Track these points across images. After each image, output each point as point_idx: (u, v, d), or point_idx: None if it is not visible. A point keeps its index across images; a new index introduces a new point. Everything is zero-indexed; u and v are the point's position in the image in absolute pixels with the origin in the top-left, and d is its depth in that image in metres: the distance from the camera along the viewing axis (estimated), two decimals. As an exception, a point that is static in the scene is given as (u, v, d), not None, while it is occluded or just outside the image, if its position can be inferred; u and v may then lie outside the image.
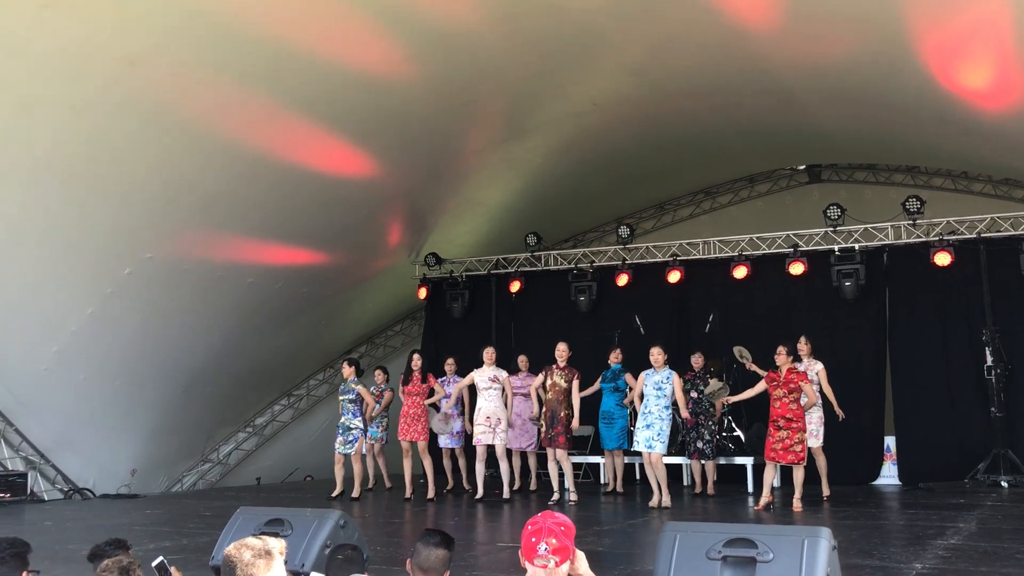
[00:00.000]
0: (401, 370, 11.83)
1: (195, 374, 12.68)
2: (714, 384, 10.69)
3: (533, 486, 11.66)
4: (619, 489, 11.17)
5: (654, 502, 9.63)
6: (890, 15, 8.47)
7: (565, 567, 3.16)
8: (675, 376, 9.89)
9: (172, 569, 3.79)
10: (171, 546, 7.12)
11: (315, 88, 9.66)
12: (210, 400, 13.40)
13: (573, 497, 10.28)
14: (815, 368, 10.11)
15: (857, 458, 11.67)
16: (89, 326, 11.02)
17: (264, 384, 14.49)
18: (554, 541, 3.12)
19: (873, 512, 9.29)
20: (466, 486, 11.62)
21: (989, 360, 11.22)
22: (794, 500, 9.19)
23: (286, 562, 5.00)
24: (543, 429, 10.42)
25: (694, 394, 10.60)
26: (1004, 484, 10.76)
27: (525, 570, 3.19)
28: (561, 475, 10.42)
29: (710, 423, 10.66)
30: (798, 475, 9.33)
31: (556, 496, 10.32)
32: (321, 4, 8.51)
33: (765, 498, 9.31)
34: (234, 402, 14.13)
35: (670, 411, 9.84)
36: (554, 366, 10.39)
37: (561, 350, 10.40)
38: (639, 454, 11.89)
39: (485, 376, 10.60)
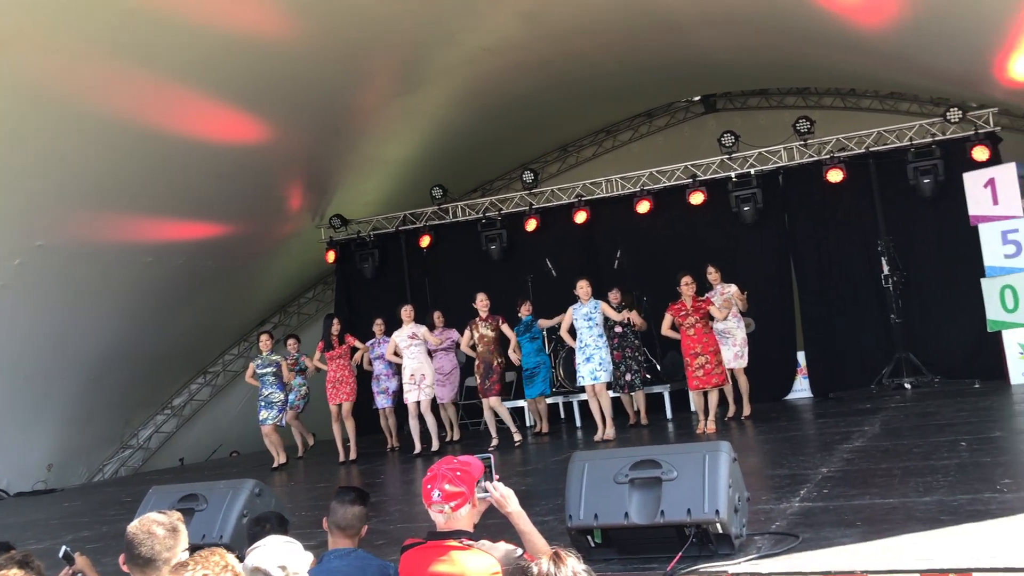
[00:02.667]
0: (318, 337, 11.77)
1: (104, 360, 12.35)
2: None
3: (457, 436, 11.75)
4: (546, 430, 11.34)
5: (599, 436, 9.74)
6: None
7: (465, 511, 3.14)
8: (602, 304, 9.98)
9: (76, 556, 3.73)
10: (90, 535, 6.99)
11: (196, 55, 9.37)
12: (123, 385, 13.08)
13: (517, 437, 10.45)
14: (729, 291, 10.28)
15: (771, 375, 12.02)
16: (-16, 322, 10.62)
17: (178, 364, 14.20)
18: (448, 486, 3.12)
19: (785, 425, 9.63)
20: (395, 443, 11.69)
21: (886, 269, 11.63)
22: (708, 422, 9.42)
23: (203, 536, 4.99)
24: (478, 381, 10.50)
25: (618, 329, 10.67)
26: (908, 386, 11.24)
27: None
28: (499, 421, 10.55)
29: (637, 355, 10.80)
30: (713, 398, 9.55)
31: (496, 442, 10.43)
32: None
33: (712, 422, 9.45)
34: (149, 385, 13.82)
35: (604, 339, 9.92)
36: (477, 319, 10.46)
37: (481, 301, 10.46)
38: (564, 393, 12.13)
39: (404, 335, 10.66)
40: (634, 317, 10.64)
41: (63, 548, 3.94)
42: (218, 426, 15.08)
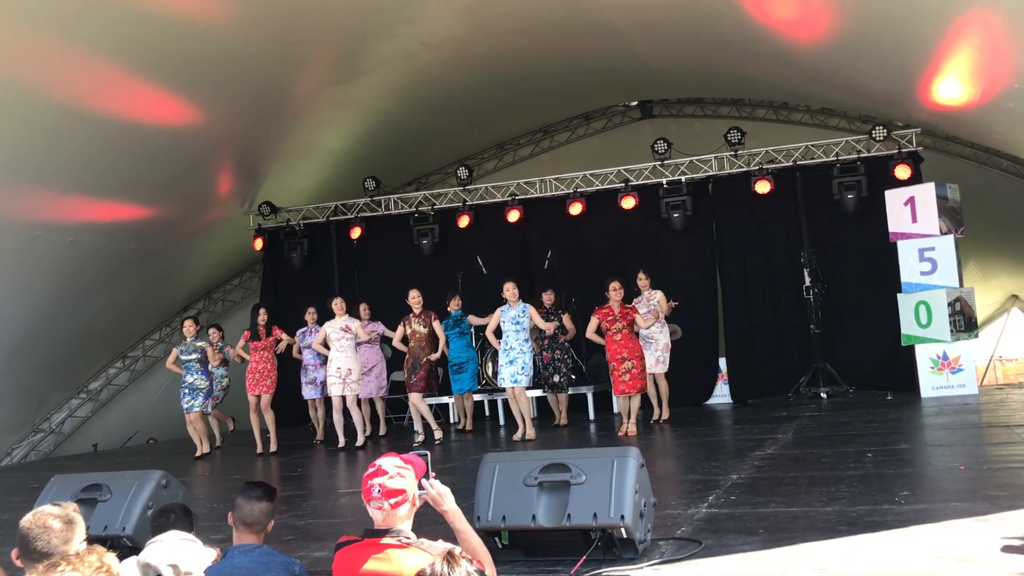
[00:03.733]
0: (243, 325, 11.62)
1: (18, 340, 11.97)
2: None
3: (383, 431, 11.69)
4: (470, 427, 11.35)
5: (518, 435, 9.76)
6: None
7: (404, 510, 3.09)
8: (531, 308, 9.98)
9: None
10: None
11: (127, 33, 9.14)
12: (37, 367, 12.70)
13: (439, 434, 10.40)
14: (655, 297, 10.41)
15: (692, 380, 12.23)
16: None
17: (96, 347, 13.85)
18: (388, 483, 3.06)
19: (703, 430, 9.80)
20: (321, 436, 11.59)
21: (807, 280, 11.90)
22: (630, 425, 9.54)
23: (105, 527, 4.88)
24: (404, 376, 10.45)
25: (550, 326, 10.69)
26: (823, 395, 11.53)
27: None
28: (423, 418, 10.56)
29: (566, 357, 10.87)
30: (635, 402, 9.67)
31: (421, 437, 10.39)
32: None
33: (633, 425, 9.54)
34: (64, 367, 13.45)
35: (530, 343, 9.95)
36: (411, 315, 10.41)
37: (414, 297, 10.43)
38: (489, 391, 12.15)
39: (336, 327, 10.53)
40: (567, 322, 10.74)
41: None
42: (135, 412, 14.75)
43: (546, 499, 4.12)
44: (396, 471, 3.11)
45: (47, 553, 2.91)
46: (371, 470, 3.10)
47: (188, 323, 11.21)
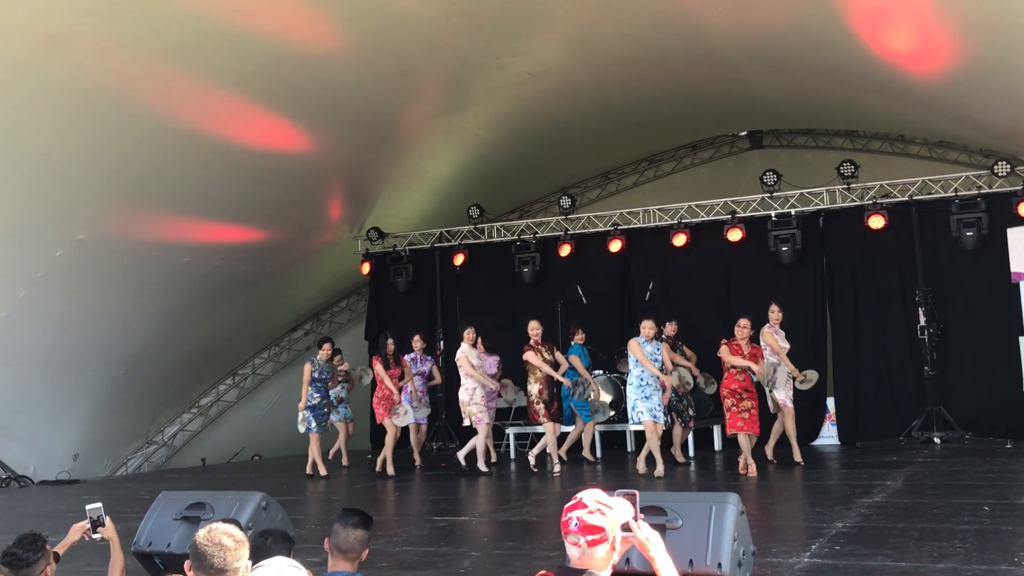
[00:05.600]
0: (349, 347, 11.91)
1: (135, 355, 12.51)
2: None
3: (494, 459, 11.71)
4: (590, 457, 11.25)
5: (659, 471, 9.41)
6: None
7: (602, 550, 2.80)
8: (665, 346, 9.87)
9: (107, 520, 4.02)
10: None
11: (243, 63, 9.50)
12: (152, 381, 13.24)
13: (557, 468, 10.22)
14: (783, 334, 10.04)
15: (799, 420, 11.78)
16: (22, 310, 10.82)
17: (208, 364, 14.34)
18: (587, 518, 2.79)
19: (808, 472, 9.46)
20: (419, 463, 11.68)
21: (922, 320, 11.45)
22: (751, 465, 9.23)
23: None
24: (542, 407, 10.26)
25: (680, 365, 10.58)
26: (937, 440, 11.03)
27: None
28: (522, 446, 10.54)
29: (692, 392, 10.73)
30: (752, 441, 9.42)
31: (558, 468, 10.25)
32: (244, -23, 8.36)
33: (752, 466, 9.24)
34: (177, 383, 13.97)
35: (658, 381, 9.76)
36: (536, 344, 10.32)
37: (535, 328, 10.39)
38: (606, 422, 11.98)
39: (474, 355, 10.57)
40: (687, 352, 10.73)
41: (98, 506, 4.05)
42: (242, 429, 15.20)
43: (641, 542, 4.02)
44: (597, 507, 2.83)
45: (222, 569, 3.04)
46: (572, 502, 2.85)
47: (327, 346, 11.32)
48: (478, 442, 10.41)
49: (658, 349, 9.69)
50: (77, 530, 4.23)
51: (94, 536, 4.19)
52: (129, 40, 8.72)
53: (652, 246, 13.21)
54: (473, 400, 10.40)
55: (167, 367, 13.28)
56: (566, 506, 2.83)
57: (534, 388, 10.24)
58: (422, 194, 14.54)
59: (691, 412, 10.55)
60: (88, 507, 4.20)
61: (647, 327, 9.57)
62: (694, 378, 10.78)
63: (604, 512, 2.81)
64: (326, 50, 9.74)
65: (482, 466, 10.41)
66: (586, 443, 11.32)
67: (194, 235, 11.90)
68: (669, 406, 10.05)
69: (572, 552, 2.81)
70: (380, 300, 14.87)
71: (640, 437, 10.11)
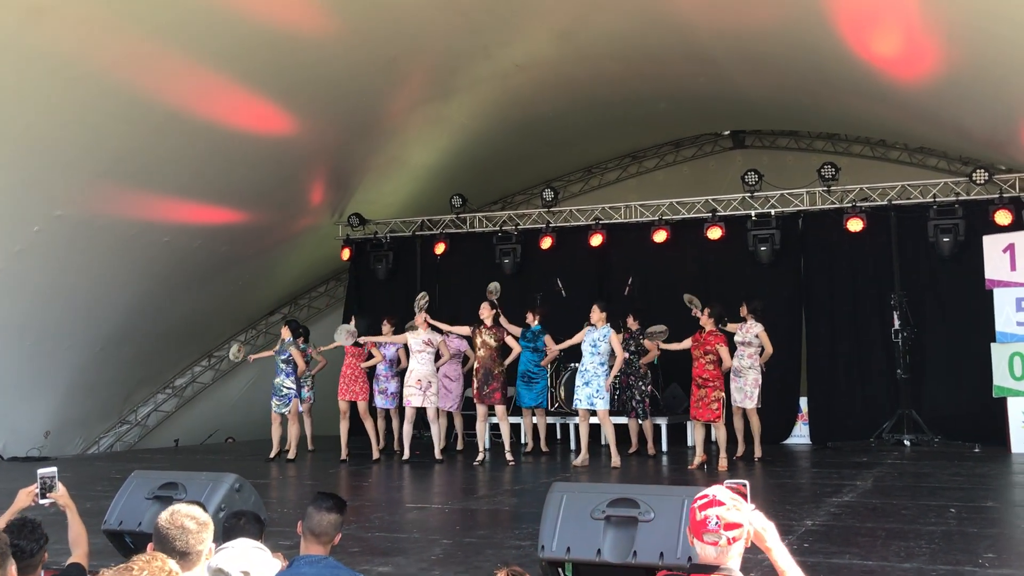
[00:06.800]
0: (327, 331, 11.88)
1: (110, 334, 12.42)
2: (657, 328, 10.64)
3: (460, 446, 11.75)
4: (543, 448, 11.32)
5: (578, 460, 9.69)
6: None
7: (740, 546, 2.73)
8: (612, 333, 9.90)
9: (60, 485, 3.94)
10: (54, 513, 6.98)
11: (229, 42, 9.43)
12: (127, 361, 13.15)
13: (509, 458, 10.30)
14: (755, 330, 10.14)
15: (771, 418, 11.92)
16: (-3, 285, 10.71)
17: (184, 344, 14.26)
18: (726, 514, 2.71)
19: (779, 471, 9.57)
20: (396, 448, 11.69)
21: (896, 324, 11.56)
22: (720, 459, 9.37)
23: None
24: (475, 388, 10.38)
25: (625, 355, 10.63)
26: (907, 443, 11.16)
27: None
28: (497, 436, 10.56)
29: (640, 383, 10.79)
30: (719, 434, 9.54)
31: (481, 456, 10.37)
32: (233, -44, 8.29)
33: (699, 457, 9.43)
34: (152, 363, 13.88)
35: (605, 367, 9.81)
36: (482, 326, 10.39)
37: (485, 309, 10.43)
38: (562, 414, 12.10)
39: (419, 339, 10.60)
40: (647, 344, 10.69)
41: (51, 470, 3.94)
42: (217, 410, 15.12)
43: (613, 534, 4.05)
44: (732, 502, 2.75)
45: (185, 552, 3.05)
46: (703, 499, 2.76)
47: (285, 327, 11.53)
48: (405, 429, 10.67)
49: (605, 337, 9.74)
50: (25, 495, 4.10)
51: (42, 501, 4.06)
52: (114, 16, 8.63)
53: (633, 241, 13.27)
54: (408, 383, 10.48)
55: (143, 346, 13.19)
56: (697, 504, 2.73)
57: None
58: (405, 182, 14.51)
59: (633, 403, 10.58)
60: (40, 470, 4.02)
61: (595, 312, 9.81)
62: (655, 377, 10.99)
63: (739, 507, 2.74)
64: (313, 33, 9.69)
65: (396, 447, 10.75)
66: (542, 433, 11.37)
67: (175, 215, 11.81)
68: (613, 396, 10.09)
69: (707, 551, 2.72)
70: (360, 286, 14.84)
71: (596, 429, 10.17)
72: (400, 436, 11.65)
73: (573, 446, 11.86)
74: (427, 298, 11.16)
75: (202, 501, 4.88)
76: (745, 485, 2.92)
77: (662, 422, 11.43)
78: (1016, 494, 8.08)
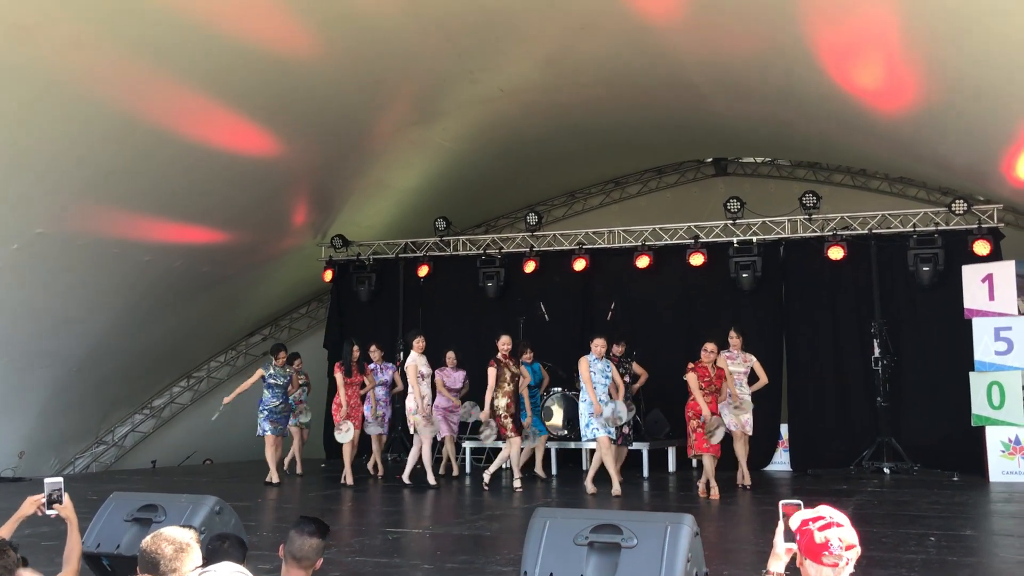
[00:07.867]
0: (308, 353, 11.83)
1: (88, 353, 12.30)
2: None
3: (456, 472, 11.69)
4: (542, 474, 11.27)
5: (616, 490, 9.47)
6: (788, 13, 8.67)
7: (850, 570, 2.67)
8: (612, 366, 9.94)
9: (65, 497, 3.93)
10: (48, 531, 6.89)
11: (214, 63, 9.43)
12: (104, 380, 13.02)
13: (518, 484, 10.23)
14: (751, 361, 10.07)
15: (752, 444, 11.87)
16: (-26, 302, 10.61)
17: (163, 365, 14.15)
18: (846, 536, 2.64)
19: (761, 497, 9.56)
20: (381, 472, 11.61)
21: (877, 352, 11.64)
22: (714, 489, 9.29)
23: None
24: (508, 419, 10.21)
25: (626, 379, 10.67)
26: (886, 471, 11.20)
27: (767, 572, 2.80)
28: (479, 460, 10.57)
29: (630, 412, 10.78)
30: (713, 463, 9.50)
31: (517, 484, 10.23)
32: (221, -23, 8.31)
33: (716, 488, 9.25)
34: (130, 383, 13.76)
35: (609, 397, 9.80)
36: (501, 357, 10.27)
37: (505, 342, 10.37)
38: (560, 439, 11.99)
39: (424, 363, 10.59)
40: (637, 368, 10.88)
41: (58, 481, 3.93)
42: (195, 432, 14.97)
43: (595, 560, 4.04)
44: (846, 521, 2.69)
45: (165, 574, 3.07)
46: (821, 520, 2.68)
47: (282, 353, 11.23)
48: (423, 454, 10.44)
49: (608, 367, 9.81)
50: (31, 503, 4.12)
51: (48, 512, 4.07)
52: (99, 34, 8.62)
53: (615, 267, 13.31)
54: (419, 410, 10.41)
55: (121, 366, 13.07)
56: (814, 526, 2.64)
57: (502, 402, 10.19)
58: (388, 204, 14.51)
59: (623, 431, 10.61)
60: (47, 480, 4.05)
61: (598, 345, 9.76)
62: (637, 402, 11.03)
63: (851, 527, 2.68)
64: (298, 54, 9.71)
65: (430, 479, 10.40)
66: (539, 459, 11.35)
67: (156, 234, 11.74)
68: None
69: (823, 574, 2.64)
70: (342, 308, 14.78)
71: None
72: (376, 461, 11.63)
73: (555, 471, 11.81)
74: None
75: (182, 523, 4.85)
76: (799, 504, 2.87)
77: (643, 448, 11.42)
78: (995, 523, 8.12)
